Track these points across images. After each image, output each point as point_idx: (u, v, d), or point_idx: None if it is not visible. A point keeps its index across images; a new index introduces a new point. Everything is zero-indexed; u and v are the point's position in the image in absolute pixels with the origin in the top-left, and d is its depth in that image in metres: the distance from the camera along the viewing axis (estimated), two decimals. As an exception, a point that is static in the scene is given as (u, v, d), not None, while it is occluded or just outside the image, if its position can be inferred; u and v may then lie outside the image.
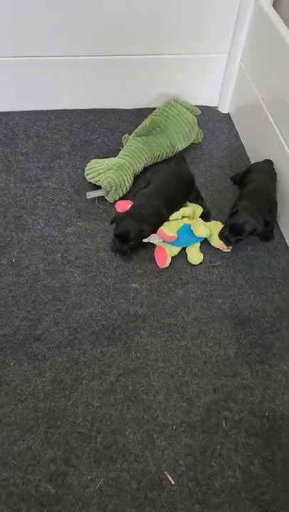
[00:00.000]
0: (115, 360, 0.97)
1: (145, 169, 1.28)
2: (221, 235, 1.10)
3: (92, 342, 1.00)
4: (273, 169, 1.20)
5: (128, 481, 0.83)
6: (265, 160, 1.22)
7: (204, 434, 0.89)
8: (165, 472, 0.84)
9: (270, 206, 1.15)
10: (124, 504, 0.80)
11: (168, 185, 1.15)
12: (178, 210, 1.15)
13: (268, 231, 1.16)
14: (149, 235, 1.10)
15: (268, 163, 1.21)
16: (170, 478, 0.84)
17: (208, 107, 1.48)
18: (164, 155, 1.29)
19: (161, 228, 1.11)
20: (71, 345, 0.99)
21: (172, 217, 1.14)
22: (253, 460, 0.86)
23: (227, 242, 1.10)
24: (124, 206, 1.19)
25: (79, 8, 1.23)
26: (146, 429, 0.89)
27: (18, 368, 0.95)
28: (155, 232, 1.10)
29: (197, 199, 1.19)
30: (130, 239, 1.06)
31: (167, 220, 1.13)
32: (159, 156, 1.28)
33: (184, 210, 1.15)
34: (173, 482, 0.83)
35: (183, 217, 1.14)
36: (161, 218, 1.12)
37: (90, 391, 0.93)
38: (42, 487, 0.81)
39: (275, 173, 1.19)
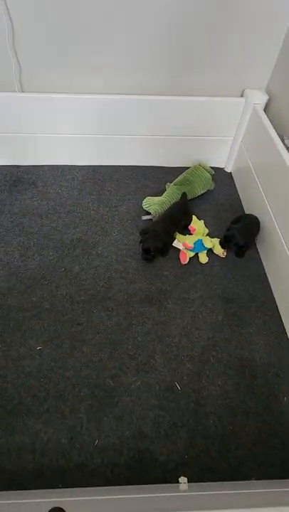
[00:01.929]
0: (152, 316, 0.96)
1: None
2: (220, 242, 1.09)
3: (140, 304, 0.98)
4: (258, 221, 1.11)
5: (153, 385, 0.84)
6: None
7: (199, 364, 0.88)
8: (175, 382, 0.85)
9: (251, 236, 1.10)
10: (151, 397, 0.82)
11: (173, 215, 1.13)
12: (180, 229, 1.13)
13: (242, 251, 1.10)
14: (162, 248, 1.06)
15: (256, 218, 1.13)
16: (178, 386, 0.84)
17: (218, 167, 1.43)
18: (189, 197, 1.25)
19: (184, 241, 1.09)
20: (127, 304, 0.98)
21: (195, 234, 1.12)
22: (227, 381, 0.85)
23: (222, 246, 1.09)
24: None
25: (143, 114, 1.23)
26: (166, 356, 0.89)
27: (98, 314, 0.96)
28: (167, 244, 1.08)
29: (186, 225, 1.14)
30: (150, 251, 1.04)
31: (174, 234, 1.12)
32: None
33: (202, 232, 1.13)
34: (179, 388, 0.84)
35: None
36: (170, 235, 1.10)
37: (136, 331, 0.93)
38: (106, 381, 0.83)
39: (259, 223, 1.11)
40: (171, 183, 1.28)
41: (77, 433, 0.76)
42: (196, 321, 0.96)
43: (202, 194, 1.29)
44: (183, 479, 0.69)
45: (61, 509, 0.46)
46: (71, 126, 1.28)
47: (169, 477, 0.71)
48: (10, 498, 0.67)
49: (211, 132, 1.32)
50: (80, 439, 0.75)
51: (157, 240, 1.05)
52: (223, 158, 1.42)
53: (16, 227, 1.18)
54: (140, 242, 1.07)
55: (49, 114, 1.24)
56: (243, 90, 1.25)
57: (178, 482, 0.69)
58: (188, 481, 0.69)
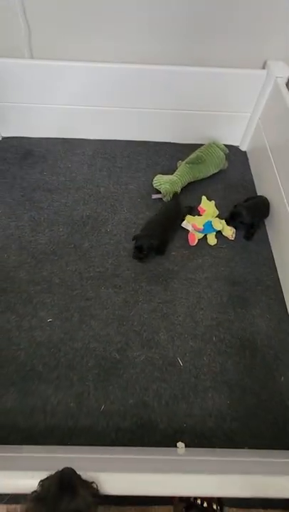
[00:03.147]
0: (158, 294, 0.98)
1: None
2: (226, 220, 1.09)
3: (147, 282, 1.00)
4: (268, 203, 1.11)
5: (157, 359, 0.88)
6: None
7: (202, 342, 0.91)
8: (178, 358, 0.88)
9: (258, 216, 1.09)
10: (154, 370, 0.86)
11: (167, 212, 1.09)
12: (173, 228, 1.08)
13: (251, 233, 1.09)
14: (159, 246, 1.02)
15: (266, 199, 1.12)
16: (180, 362, 0.88)
17: (233, 145, 1.38)
18: (201, 176, 1.23)
19: (193, 222, 1.09)
20: (135, 282, 1.00)
21: (205, 215, 1.11)
22: (227, 360, 0.89)
23: (228, 223, 1.08)
24: None
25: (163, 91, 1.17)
26: (170, 334, 0.92)
27: (106, 290, 0.98)
28: (164, 242, 1.05)
29: (181, 221, 1.11)
30: (144, 250, 0.99)
31: (168, 232, 1.07)
32: (197, 177, 1.22)
33: (212, 214, 1.12)
34: (181, 364, 0.87)
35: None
36: (165, 231, 1.06)
37: (143, 309, 0.95)
38: (113, 354, 0.88)
39: (269, 204, 1.10)
40: (182, 160, 1.25)
41: (84, 399, 0.82)
42: (200, 302, 0.98)
43: (214, 174, 1.26)
44: (180, 444, 0.75)
45: (71, 469, 0.50)
46: (81, 97, 1.23)
47: (167, 442, 0.77)
48: (22, 451, 0.74)
49: (227, 107, 1.26)
50: (87, 404, 0.81)
51: (152, 237, 1.00)
52: (238, 136, 1.37)
53: (26, 202, 1.19)
54: (133, 239, 1.02)
55: (58, 84, 1.19)
56: (265, 62, 1.17)
57: (176, 447, 0.75)
58: (185, 447, 0.75)
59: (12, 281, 1.00)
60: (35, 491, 0.46)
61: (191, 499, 0.68)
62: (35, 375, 0.85)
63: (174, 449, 0.75)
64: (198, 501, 0.67)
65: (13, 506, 0.69)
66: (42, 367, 0.86)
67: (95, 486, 0.48)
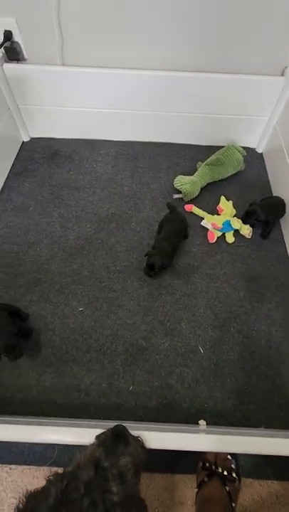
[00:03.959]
0: (180, 288, 1.04)
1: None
2: (242, 218, 1.14)
3: (169, 276, 1.06)
4: (284, 203, 1.16)
5: (180, 347, 0.94)
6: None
7: (221, 332, 0.97)
8: (199, 346, 0.95)
9: (273, 214, 1.14)
10: (177, 356, 0.93)
11: (174, 229, 1.09)
12: (180, 241, 1.09)
13: (267, 232, 1.15)
14: (168, 266, 1.03)
15: (282, 200, 1.17)
16: (201, 350, 0.94)
17: (249, 147, 1.44)
18: (220, 177, 1.29)
19: (213, 221, 1.16)
20: (158, 276, 1.05)
21: (223, 214, 1.17)
22: (244, 349, 0.95)
23: (243, 221, 1.14)
24: (189, 207, 1.22)
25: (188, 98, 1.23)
26: (192, 324, 0.98)
27: (131, 283, 1.04)
28: (172, 259, 1.05)
29: (186, 236, 1.14)
30: (155, 268, 1.00)
31: (177, 249, 1.08)
32: (216, 178, 1.28)
33: (230, 213, 1.18)
34: (202, 351, 0.93)
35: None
36: (175, 249, 1.06)
37: (166, 301, 1.01)
38: (139, 341, 0.95)
39: (285, 204, 1.16)
40: (202, 162, 1.31)
41: (114, 380, 0.90)
42: (219, 295, 1.04)
43: (232, 175, 1.32)
44: (202, 422, 0.83)
45: (122, 425, 0.58)
46: (105, 100, 1.30)
47: (190, 420, 0.85)
48: (59, 424, 0.83)
49: (246, 111, 1.32)
50: (117, 384, 0.90)
51: (164, 257, 1.00)
52: (255, 139, 1.42)
53: (55, 199, 1.27)
54: (145, 256, 1.02)
55: (84, 88, 1.26)
56: (284, 69, 1.23)
57: (198, 424, 0.83)
58: (206, 424, 0.83)
59: (45, 273, 1.09)
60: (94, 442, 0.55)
61: (213, 467, 0.76)
62: (70, 358, 0.94)
63: (196, 425, 0.83)
64: (220, 470, 0.75)
65: (55, 468, 0.78)
66: (75, 351, 0.95)
67: (141, 440, 0.57)
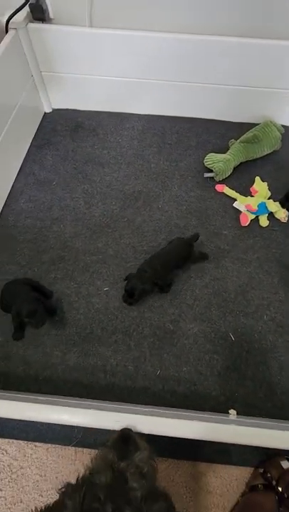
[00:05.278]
0: (209, 271, 1.00)
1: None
2: (280, 201, 1.08)
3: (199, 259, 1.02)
4: None
5: (209, 332, 0.91)
6: None
7: (253, 320, 0.92)
8: (230, 333, 0.91)
9: None
10: (206, 342, 0.89)
11: (177, 247, 0.96)
12: (176, 268, 0.95)
13: None
14: (162, 284, 0.91)
15: None
16: (232, 337, 0.90)
17: (286, 125, 1.31)
18: (254, 156, 1.21)
19: (247, 202, 1.09)
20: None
21: (257, 196, 1.10)
22: (278, 339, 0.90)
23: (282, 205, 1.08)
24: (221, 188, 1.15)
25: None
26: (222, 310, 0.93)
27: None
28: (167, 279, 0.94)
29: (195, 261, 1.00)
30: (134, 295, 0.88)
31: (165, 274, 0.92)
32: (251, 157, 1.20)
33: (265, 195, 1.11)
34: (233, 339, 0.90)
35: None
36: (171, 269, 0.94)
37: (195, 284, 0.98)
38: (166, 325, 0.91)
39: None
40: (235, 139, 1.23)
41: (141, 363, 0.87)
42: (252, 281, 0.99)
43: (266, 154, 1.23)
44: (232, 411, 0.80)
45: (128, 428, 0.56)
46: (134, 69, 1.21)
47: (220, 408, 0.82)
48: (83, 406, 0.81)
49: (283, 84, 1.21)
50: (143, 368, 0.87)
51: (143, 281, 0.87)
52: (292, 116, 1.32)
53: (79, 174, 1.21)
54: (125, 280, 0.91)
55: (113, 54, 1.17)
56: None
57: (228, 413, 0.80)
58: (236, 414, 0.80)
59: (69, 251, 1.04)
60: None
61: (273, 482, 0.71)
62: (95, 338, 0.90)
63: (226, 415, 0.80)
64: (280, 489, 0.70)
65: (81, 449, 0.76)
66: (100, 331, 0.91)
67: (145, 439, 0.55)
